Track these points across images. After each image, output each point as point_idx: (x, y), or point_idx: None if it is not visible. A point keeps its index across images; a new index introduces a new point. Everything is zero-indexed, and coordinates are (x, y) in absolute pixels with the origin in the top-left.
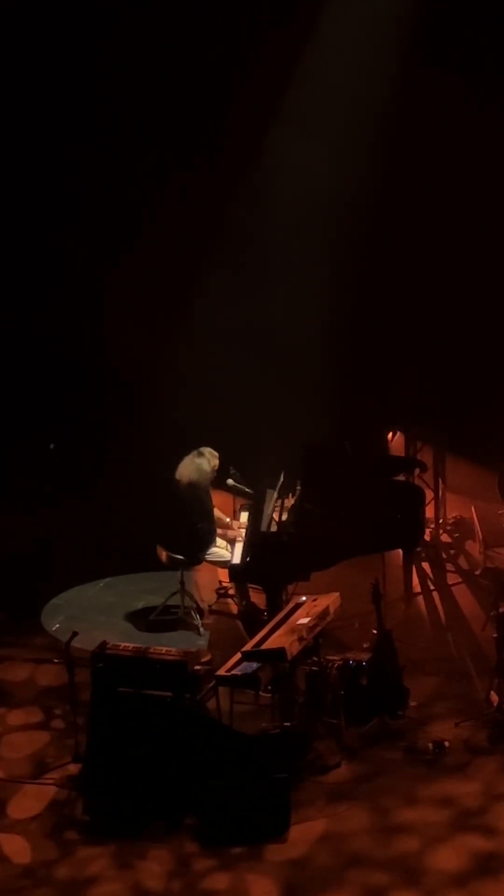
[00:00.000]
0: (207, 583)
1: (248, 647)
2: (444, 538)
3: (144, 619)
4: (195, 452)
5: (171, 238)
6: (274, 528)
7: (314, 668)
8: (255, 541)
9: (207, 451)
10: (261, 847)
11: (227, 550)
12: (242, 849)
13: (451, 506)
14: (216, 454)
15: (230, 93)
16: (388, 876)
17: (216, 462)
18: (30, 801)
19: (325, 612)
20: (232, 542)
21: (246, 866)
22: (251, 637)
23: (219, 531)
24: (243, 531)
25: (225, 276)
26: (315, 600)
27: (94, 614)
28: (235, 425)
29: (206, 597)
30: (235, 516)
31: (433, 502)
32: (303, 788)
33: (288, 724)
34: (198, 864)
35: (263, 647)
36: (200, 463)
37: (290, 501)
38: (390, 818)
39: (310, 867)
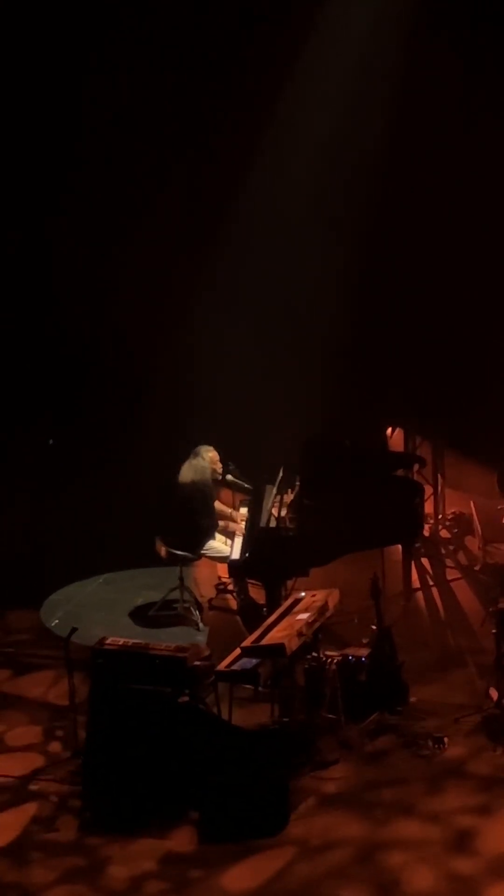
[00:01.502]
0: (206, 578)
1: (247, 642)
2: (444, 534)
3: (143, 615)
4: (192, 454)
5: (171, 234)
6: (273, 524)
7: (313, 664)
8: (255, 536)
9: (202, 448)
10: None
11: (226, 545)
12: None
13: (451, 501)
14: (210, 448)
15: (231, 88)
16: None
17: (212, 454)
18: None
19: (324, 608)
20: (232, 536)
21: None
22: (250, 633)
23: (220, 524)
24: (244, 525)
25: (224, 274)
26: (314, 596)
27: (93, 610)
28: (234, 420)
29: (206, 592)
30: (235, 509)
31: (432, 498)
32: (301, 785)
33: (287, 719)
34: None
35: (263, 642)
36: (197, 461)
37: (289, 497)
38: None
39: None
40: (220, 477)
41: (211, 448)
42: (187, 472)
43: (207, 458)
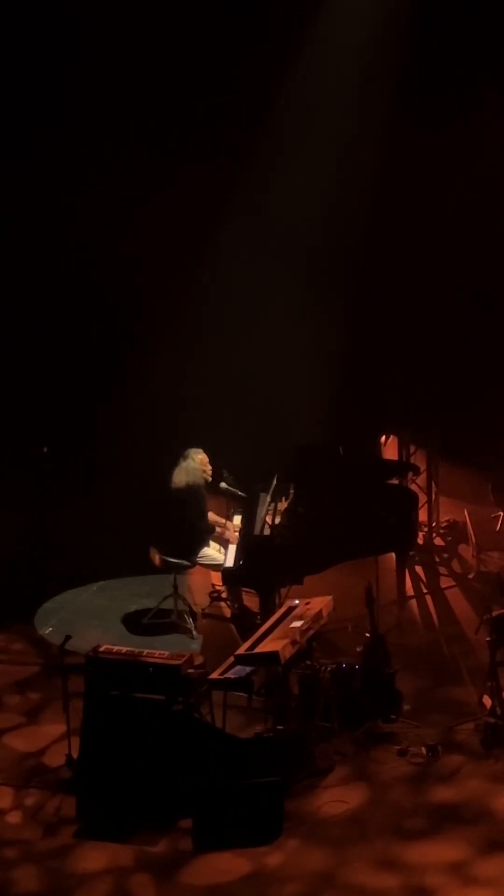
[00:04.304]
0: (200, 586)
1: (241, 650)
2: (438, 542)
3: (137, 623)
4: (182, 458)
5: (166, 243)
6: (267, 532)
7: (307, 672)
8: (249, 544)
9: (191, 451)
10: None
11: (220, 553)
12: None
13: (445, 509)
14: (200, 450)
15: (230, 89)
16: None
17: (202, 456)
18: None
19: (318, 616)
20: (225, 544)
21: None
22: (244, 641)
23: (218, 528)
24: (237, 534)
25: (220, 281)
26: (308, 604)
27: (87, 618)
28: (229, 428)
29: (200, 600)
30: (229, 519)
31: (426, 506)
32: (294, 793)
33: (281, 727)
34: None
35: (256, 650)
36: (187, 464)
37: (283, 505)
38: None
39: None
40: (210, 479)
41: (200, 450)
42: (180, 476)
43: (198, 461)
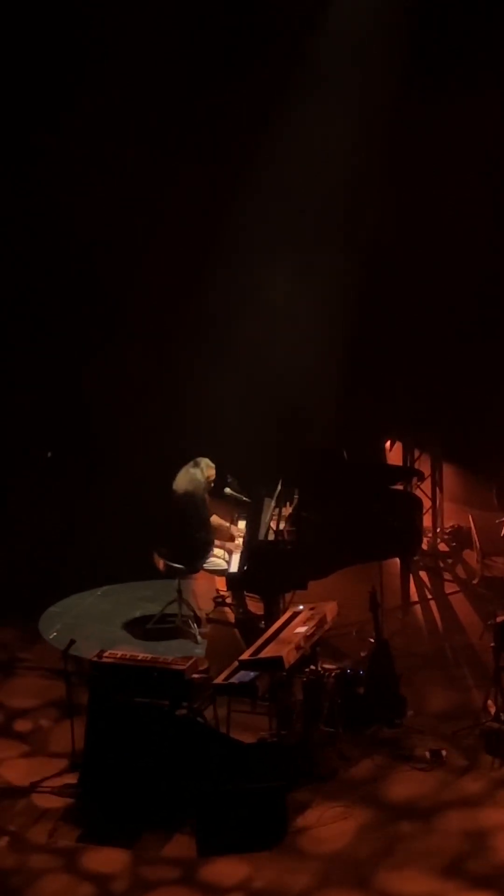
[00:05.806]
0: (205, 591)
1: (245, 655)
2: (442, 547)
3: (142, 628)
4: (192, 462)
5: (167, 244)
6: (271, 537)
7: (311, 677)
8: (253, 549)
9: (204, 461)
10: None
11: (225, 559)
12: None
13: (449, 515)
14: (212, 465)
15: (230, 89)
16: None
17: (212, 472)
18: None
19: (322, 621)
20: (229, 552)
21: None
22: (248, 646)
23: (218, 541)
24: (241, 541)
25: (224, 284)
26: (313, 609)
27: (91, 622)
28: (233, 433)
29: (204, 605)
30: (233, 524)
31: (431, 511)
32: (297, 798)
33: (285, 732)
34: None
35: (261, 655)
36: (195, 473)
37: (287, 510)
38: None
39: None
40: (209, 492)
41: (213, 466)
42: (182, 480)
43: (206, 474)
